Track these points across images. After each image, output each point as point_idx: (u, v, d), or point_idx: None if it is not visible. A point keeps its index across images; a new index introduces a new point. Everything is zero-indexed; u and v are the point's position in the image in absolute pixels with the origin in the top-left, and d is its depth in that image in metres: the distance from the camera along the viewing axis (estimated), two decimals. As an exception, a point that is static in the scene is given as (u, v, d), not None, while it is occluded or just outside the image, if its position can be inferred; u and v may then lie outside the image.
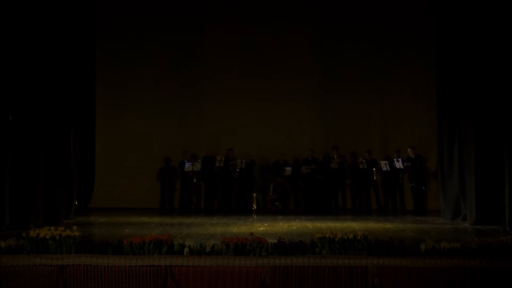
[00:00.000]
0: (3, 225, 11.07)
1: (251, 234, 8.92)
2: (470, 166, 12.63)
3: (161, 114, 16.94)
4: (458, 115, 13.24)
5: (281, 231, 11.48)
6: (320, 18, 16.94)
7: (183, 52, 16.99)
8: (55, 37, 12.87)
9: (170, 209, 16.44)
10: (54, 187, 12.82)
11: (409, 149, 15.79)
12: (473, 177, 12.47)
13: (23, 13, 11.85)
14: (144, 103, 16.94)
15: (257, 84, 16.93)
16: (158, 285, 8.43)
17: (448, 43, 13.56)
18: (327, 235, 8.62)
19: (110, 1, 16.64)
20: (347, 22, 16.87)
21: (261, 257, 8.49)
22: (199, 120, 16.98)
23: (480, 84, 12.40)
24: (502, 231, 11.13)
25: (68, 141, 13.64)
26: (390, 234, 10.77)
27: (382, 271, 8.40)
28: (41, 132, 12.28)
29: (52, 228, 8.88)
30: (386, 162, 15.94)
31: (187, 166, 15.98)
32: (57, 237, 8.62)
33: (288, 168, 16.20)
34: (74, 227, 9.02)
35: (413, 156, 15.74)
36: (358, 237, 8.57)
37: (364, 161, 16.18)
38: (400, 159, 15.67)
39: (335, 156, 16.33)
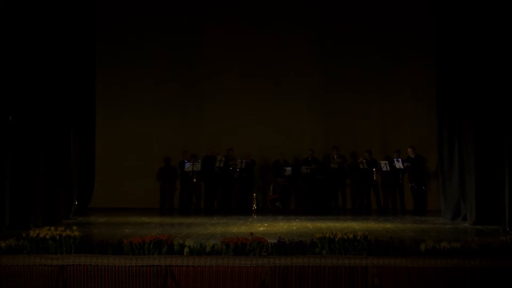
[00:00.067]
0: (3, 225, 11.07)
1: (251, 234, 8.92)
2: (470, 166, 12.63)
3: (161, 114, 16.94)
4: (458, 115, 13.24)
5: (281, 231, 11.48)
6: (320, 18, 16.94)
7: (183, 52, 16.98)
8: (55, 37, 12.87)
9: (170, 209, 16.44)
10: (54, 187, 12.82)
11: (409, 149, 15.80)
12: (473, 177, 12.47)
13: (23, 13, 11.85)
14: (144, 103, 16.94)
15: (257, 84, 16.93)
16: (158, 285, 8.43)
17: (448, 43, 13.56)
18: (327, 235, 8.63)
19: (110, 1, 16.64)
20: (347, 22, 16.88)
21: (261, 257, 8.49)
22: (199, 120, 16.98)
23: (480, 84, 12.40)
24: (502, 231, 11.13)
25: (68, 141, 13.64)
26: (390, 234, 10.77)
27: (382, 271, 8.40)
28: (41, 132, 12.28)
29: (52, 228, 8.88)
30: (386, 162, 15.94)
31: (187, 166, 15.98)
32: (57, 237, 8.63)
33: (288, 168, 16.20)
34: (74, 227, 9.03)
35: (413, 156, 15.74)
36: (358, 237, 8.58)
37: (364, 161, 16.17)
38: (400, 159, 15.66)
39: (335, 156, 16.33)
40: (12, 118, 11.56)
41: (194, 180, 16.33)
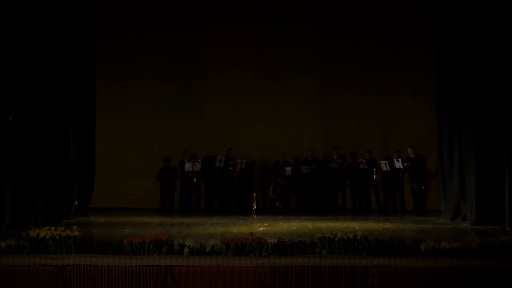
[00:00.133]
0: (3, 225, 11.07)
1: (251, 234, 8.92)
2: (470, 166, 12.63)
3: (161, 114, 16.95)
4: (458, 115, 13.24)
5: (281, 231, 11.48)
6: (320, 18, 16.94)
7: (183, 52, 16.98)
8: (55, 37, 12.87)
9: (170, 209, 16.44)
10: (54, 187, 12.82)
11: (409, 149, 15.80)
12: (473, 177, 12.47)
13: (23, 14, 11.85)
14: (144, 103, 16.94)
15: (257, 84, 16.94)
16: (158, 285, 8.43)
17: (448, 43, 13.55)
18: (327, 235, 8.63)
19: (110, 1, 16.64)
20: (347, 22, 16.88)
21: (261, 257, 8.49)
22: (199, 120, 16.98)
23: (480, 84, 12.40)
24: (502, 231, 11.13)
25: (68, 141, 13.64)
26: (390, 234, 10.77)
27: (382, 271, 8.40)
28: (41, 132, 12.28)
29: (52, 228, 8.88)
30: (386, 162, 15.94)
31: (187, 166, 15.98)
32: (57, 237, 8.63)
33: (288, 168, 16.19)
34: (74, 227, 9.03)
35: (413, 156, 15.74)
36: (358, 237, 8.57)
37: (364, 161, 16.17)
38: (400, 159, 15.66)
39: (335, 156, 16.32)
40: (12, 118, 11.55)
41: (194, 180, 16.33)
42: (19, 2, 11.77)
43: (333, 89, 16.98)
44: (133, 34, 16.93)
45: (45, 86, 12.46)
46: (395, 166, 15.75)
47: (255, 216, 14.72)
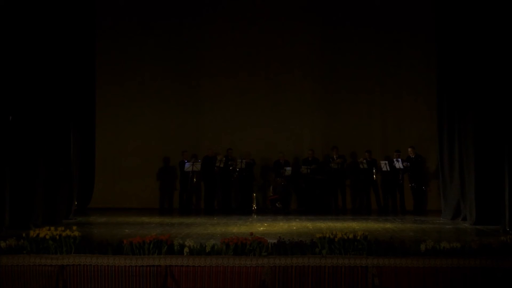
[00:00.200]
0: (3, 225, 11.07)
1: (251, 234, 8.93)
2: (470, 166, 12.63)
3: (161, 114, 16.95)
4: (458, 115, 13.24)
5: (281, 231, 11.48)
6: (321, 18, 16.94)
7: (183, 52, 16.98)
8: (55, 37, 12.87)
9: (170, 209, 16.44)
10: (54, 187, 12.82)
11: (409, 149, 15.80)
12: (473, 177, 12.47)
13: (23, 14, 11.84)
14: (144, 103, 16.94)
15: (257, 84, 16.94)
16: (158, 285, 8.43)
17: (448, 43, 13.56)
18: (327, 235, 8.63)
19: (110, 1, 16.64)
20: (348, 22, 16.87)
21: (261, 257, 8.49)
22: (199, 120, 16.99)
23: (481, 84, 12.40)
24: (502, 231, 11.13)
25: (68, 141, 13.64)
26: (390, 234, 10.79)
27: (382, 271, 8.40)
28: (41, 132, 12.28)
29: (52, 228, 8.89)
30: (386, 162, 15.93)
31: (187, 166, 15.97)
32: (57, 237, 8.63)
33: (288, 168, 16.19)
34: (74, 227, 9.02)
35: (413, 156, 15.74)
36: (358, 237, 8.58)
37: (364, 161, 16.17)
38: (400, 159, 15.66)
39: (335, 156, 16.32)
40: (12, 118, 11.55)
41: (194, 180, 16.33)
42: (19, 2, 11.76)
43: (333, 89, 16.99)
44: (133, 34, 16.93)
45: (45, 86, 12.46)
46: (395, 166, 15.75)
47: (255, 216, 14.72)
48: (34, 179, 12.05)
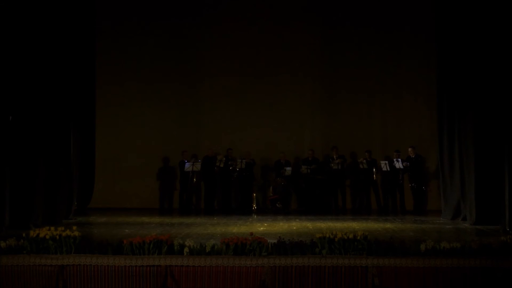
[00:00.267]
0: (3, 225, 11.07)
1: (251, 234, 8.93)
2: (470, 166, 12.63)
3: (161, 114, 16.95)
4: (458, 115, 13.24)
5: (281, 231, 11.48)
6: (321, 18, 16.94)
7: (183, 52, 16.98)
8: (55, 37, 12.87)
9: (170, 209, 16.44)
10: (54, 187, 12.82)
11: (409, 149, 15.80)
12: (473, 177, 12.47)
13: (23, 14, 11.84)
14: (144, 103, 16.94)
15: (257, 84, 16.94)
16: (158, 285, 8.43)
17: (448, 43, 13.56)
18: (327, 235, 8.63)
19: (110, 1, 16.64)
20: (348, 22, 16.87)
21: (261, 257, 8.49)
22: (199, 120, 16.99)
23: (481, 84, 12.40)
24: (502, 231, 11.13)
25: (68, 141, 13.64)
26: (390, 234, 10.79)
27: (382, 271, 8.40)
28: (41, 132, 12.28)
29: (52, 228, 8.89)
30: (386, 162, 15.93)
31: (187, 166, 15.97)
32: (57, 237, 8.63)
33: (288, 168, 16.19)
34: (74, 227, 9.03)
35: (413, 156, 15.74)
36: (358, 237, 8.58)
37: (364, 161, 16.17)
38: (400, 159, 15.66)
39: (334, 156, 16.31)
40: (12, 118, 11.55)
41: (194, 180, 16.32)
42: (19, 2, 11.76)
43: (333, 89, 16.99)
44: (133, 34, 16.93)
45: (45, 86, 12.46)
46: (395, 166, 15.75)
47: (255, 216, 14.72)
48: (34, 179, 12.05)
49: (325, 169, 16.31)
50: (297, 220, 13.65)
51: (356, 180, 16.58)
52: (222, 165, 16.13)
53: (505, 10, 11.71)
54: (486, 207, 12.20)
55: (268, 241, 8.78)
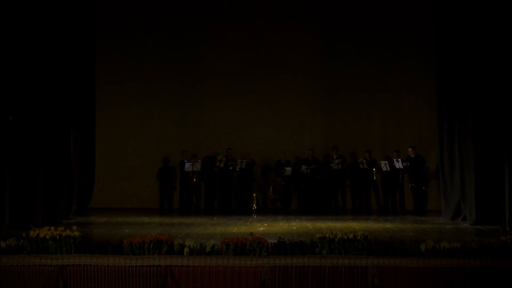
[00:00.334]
0: (3, 225, 11.07)
1: (251, 234, 8.93)
2: (470, 166, 12.63)
3: (161, 114, 16.95)
4: (459, 115, 13.24)
5: (281, 231, 11.48)
6: (321, 18, 16.94)
7: (183, 52, 16.98)
8: (55, 37, 12.87)
9: (170, 209, 16.43)
10: (54, 187, 12.82)
11: (409, 149, 15.80)
12: (473, 177, 12.47)
13: (23, 14, 11.84)
14: (144, 103, 16.94)
15: (257, 84, 16.94)
16: (158, 285, 8.43)
17: (448, 43, 13.56)
18: (327, 235, 8.63)
19: (110, 1, 16.64)
20: (348, 22, 16.87)
21: (261, 257, 8.49)
22: (199, 120, 16.99)
23: (481, 84, 12.40)
24: (502, 231, 11.13)
25: (68, 141, 13.64)
26: (390, 234, 10.79)
27: (382, 271, 8.40)
28: (41, 132, 12.28)
29: (52, 228, 8.89)
30: (386, 162, 15.93)
31: (187, 166, 15.97)
32: (57, 237, 8.63)
33: (288, 168, 16.18)
34: (74, 227, 9.02)
35: (413, 156, 15.74)
36: (358, 237, 8.58)
37: (364, 161, 16.17)
38: (400, 159, 15.66)
39: (334, 156, 16.31)
40: (12, 118, 11.55)
41: (194, 180, 16.32)
42: (19, 2, 11.76)
43: (333, 89, 16.99)
44: (133, 34, 16.93)
45: (45, 86, 12.46)
46: (395, 166, 15.75)
47: (255, 216, 14.72)
48: (34, 179, 12.04)
49: (325, 169, 16.31)
50: (297, 220, 13.65)
51: (356, 180, 16.58)
52: (222, 165, 16.13)
53: (505, 10, 11.71)
54: (486, 207, 12.20)
55: (268, 241, 8.79)
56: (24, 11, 11.87)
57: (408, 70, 16.77)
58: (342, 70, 16.97)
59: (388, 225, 12.60)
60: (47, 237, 8.63)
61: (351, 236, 8.58)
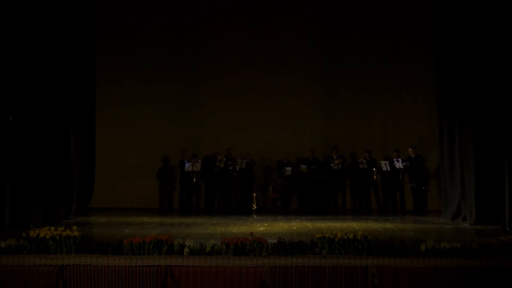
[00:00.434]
0: (3, 225, 11.07)
1: (251, 234, 8.93)
2: (470, 166, 12.63)
3: (161, 114, 16.95)
4: (459, 115, 13.24)
5: (281, 231, 11.48)
6: (321, 18, 16.95)
7: (183, 52, 16.99)
8: (55, 37, 12.87)
9: (170, 209, 16.43)
10: (54, 187, 12.82)
11: (409, 149, 15.80)
12: (473, 177, 12.47)
13: (23, 14, 11.84)
14: (144, 103, 16.94)
15: (257, 84, 16.95)
16: (158, 285, 8.43)
17: (448, 43, 13.55)
18: (327, 235, 8.62)
19: (110, 1, 16.64)
20: (348, 22, 16.88)
21: (261, 257, 8.49)
22: (199, 120, 16.99)
23: (481, 84, 12.40)
24: (502, 231, 11.13)
25: (68, 141, 13.64)
26: (390, 234, 10.79)
27: (382, 271, 8.40)
28: (41, 132, 12.28)
29: (52, 228, 8.89)
30: (387, 162, 15.93)
31: (187, 166, 15.98)
32: (57, 237, 8.63)
33: (288, 168, 16.18)
34: (74, 227, 9.02)
35: (413, 156, 15.74)
36: (358, 237, 8.57)
37: (364, 161, 16.17)
38: (400, 159, 15.66)
39: (334, 156, 16.31)
40: (12, 118, 11.55)
41: (194, 180, 16.32)
42: (19, 2, 11.76)
43: (333, 89, 17.00)
44: (133, 34, 16.94)
45: (45, 86, 12.46)
46: (395, 166, 15.75)
47: (255, 216, 14.72)
48: (34, 179, 12.04)
49: (325, 169, 16.32)
50: (297, 220, 13.65)
51: (356, 180, 16.58)
52: (222, 165, 16.13)
53: (505, 10, 11.70)
54: (486, 207, 12.20)
55: (268, 241, 8.78)
56: (24, 11, 11.86)
57: (408, 70, 16.78)
58: (342, 70, 16.98)
59: (388, 225, 12.60)
60: (47, 237, 8.62)
61: (351, 236, 8.57)
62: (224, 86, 16.98)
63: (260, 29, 16.95)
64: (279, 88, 16.95)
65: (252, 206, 16.12)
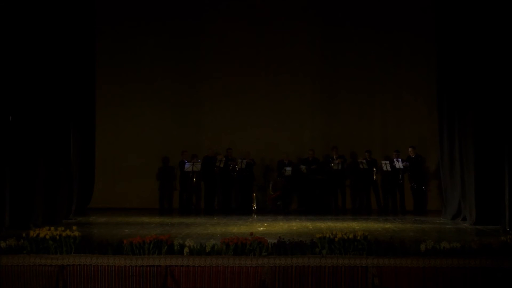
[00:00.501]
0: (3, 225, 11.07)
1: (251, 234, 8.93)
2: (470, 166, 12.63)
3: (161, 114, 16.96)
4: (459, 115, 13.24)
5: (281, 231, 11.48)
6: (321, 18, 16.95)
7: (183, 52, 16.99)
8: (55, 37, 12.87)
9: (170, 209, 16.43)
10: (54, 187, 12.82)
11: (409, 149, 15.80)
12: (473, 177, 12.47)
13: (23, 14, 11.84)
14: (144, 103, 16.94)
15: (257, 84, 16.95)
16: (158, 285, 8.43)
17: (448, 43, 13.55)
18: (327, 235, 8.62)
19: (110, 1, 16.64)
20: (348, 22, 16.88)
21: (261, 257, 8.49)
22: (199, 120, 17.00)
23: (481, 84, 12.40)
24: (502, 231, 11.13)
25: (68, 141, 13.64)
26: (390, 234, 10.79)
27: (382, 271, 8.40)
28: (41, 132, 12.28)
29: (52, 228, 8.89)
30: (387, 162, 15.93)
31: (187, 166, 15.98)
32: (57, 237, 8.63)
33: (288, 168, 16.18)
34: (74, 227, 9.02)
35: (413, 156, 15.74)
36: (358, 237, 8.57)
37: (364, 161, 16.17)
38: (400, 159, 15.66)
39: (334, 156, 16.31)
40: (12, 118, 11.55)
41: (194, 180, 16.32)
42: (19, 2, 11.76)
43: (333, 89, 17.00)
44: (133, 34, 16.94)
45: (45, 86, 12.46)
46: (395, 166, 15.75)
47: (255, 216, 14.73)
48: (34, 179, 12.04)
49: (325, 169, 16.31)
50: (297, 220, 13.65)
51: (356, 180, 16.57)
52: (222, 165, 16.13)
53: (505, 10, 11.70)
54: (486, 207, 12.20)
55: (268, 241, 8.78)
56: (24, 11, 11.86)
57: (408, 70, 16.78)
58: (342, 70, 16.98)
59: (388, 225, 12.60)
60: (47, 237, 8.62)
61: (351, 236, 8.58)
62: (224, 86, 16.99)
63: (260, 29, 16.95)
64: (279, 88, 16.95)
65: (252, 206, 16.13)
